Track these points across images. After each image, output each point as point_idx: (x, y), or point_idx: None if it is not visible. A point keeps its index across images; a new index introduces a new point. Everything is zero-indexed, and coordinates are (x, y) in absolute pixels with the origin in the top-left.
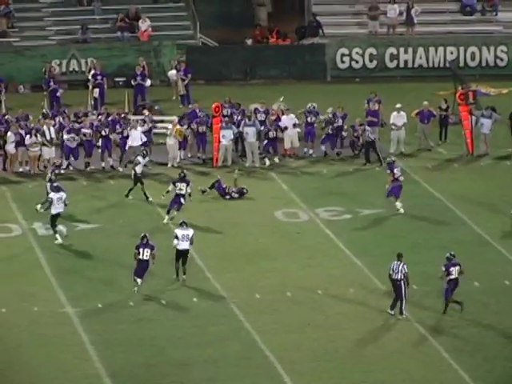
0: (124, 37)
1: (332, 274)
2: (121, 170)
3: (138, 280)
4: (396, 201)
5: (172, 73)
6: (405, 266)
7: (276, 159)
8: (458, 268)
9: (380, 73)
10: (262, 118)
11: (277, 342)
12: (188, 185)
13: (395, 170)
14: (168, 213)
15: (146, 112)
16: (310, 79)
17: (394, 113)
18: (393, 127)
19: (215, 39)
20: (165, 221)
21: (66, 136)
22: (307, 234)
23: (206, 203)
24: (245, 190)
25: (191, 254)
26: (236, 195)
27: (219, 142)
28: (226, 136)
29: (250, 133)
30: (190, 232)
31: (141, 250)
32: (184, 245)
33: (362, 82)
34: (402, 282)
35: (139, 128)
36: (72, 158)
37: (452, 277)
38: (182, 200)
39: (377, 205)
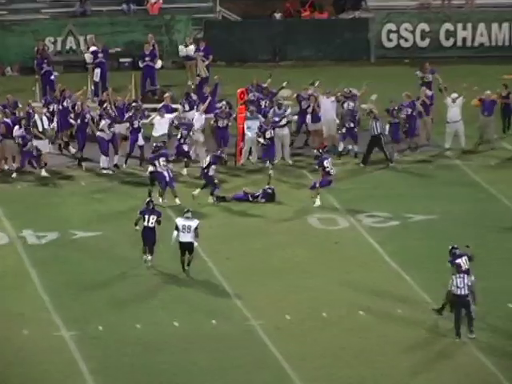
0: (130, 9)
1: (376, 290)
2: (124, 166)
3: (148, 257)
4: (316, 194)
5: (183, 48)
6: (471, 278)
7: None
8: (465, 258)
9: (434, 53)
10: (305, 107)
11: (307, 370)
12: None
13: (325, 163)
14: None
15: (167, 97)
16: (351, 60)
17: (449, 101)
18: (448, 121)
19: (238, 13)
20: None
21: (103, 122)
22: (347, 243)
23: (226, 207)
24: (270, 191)
25: (209, 267)
26: (262, 200)
27: (243, 134)
28: (252, 127)
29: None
30: (194, 223)
31: (146, 216)
32: (186, 237)
33: (412, 63)
34: (470, 298)
35: (167, 116)
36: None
37: (463, 269)
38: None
39: (430, 209)
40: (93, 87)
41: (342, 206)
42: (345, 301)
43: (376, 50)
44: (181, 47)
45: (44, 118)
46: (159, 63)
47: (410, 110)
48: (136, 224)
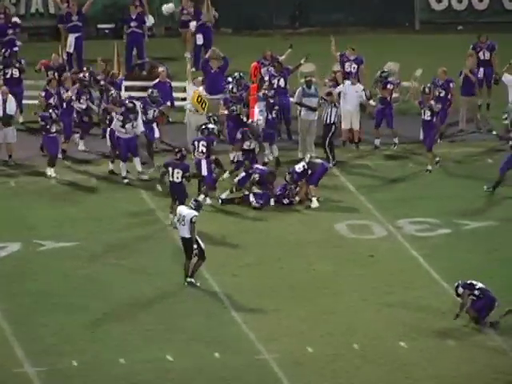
0: None
1: (422, 316)
2: (145, 176)
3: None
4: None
5: (169, 8)
6: None
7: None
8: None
9: (494, 17)
10: (354, 70)
11: None
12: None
13: (299, 167)
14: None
15: (162, 72)
16: (390, 26)
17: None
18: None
19: None
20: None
21: (114, 120)
22: (384, 257)
23: (233, 211)
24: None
25: (211, 286)
26: (286, 200)
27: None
28: (265, 111)
29: (310, 106)
30: (188, 213)
31: (170, 168)
32: (181, 231)
33: (466, 30)
34: None
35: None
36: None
37: (478, 286)
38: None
39: (489, 215)
40: (65, 57)
41: (377, 210)
42: (383, 329)
43: (422, 13)
44: (167, 6)
45: (11, 99)
46: (151, 19)
47: (443, 92)
48: (160, 179)
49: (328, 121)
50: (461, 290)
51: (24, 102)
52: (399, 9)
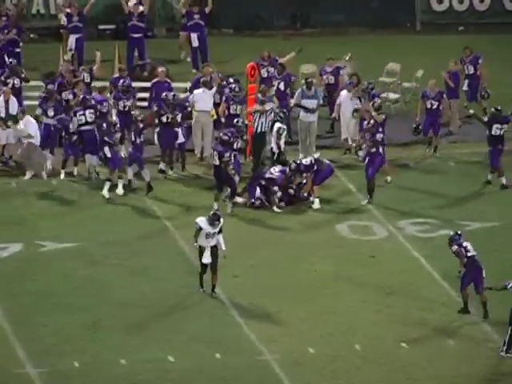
0: None
1: (423, 316)
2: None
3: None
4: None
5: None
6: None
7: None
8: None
9: (495, 18)
10: (331, 82)
11: None
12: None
13: (305, 162)
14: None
15: (162, 71)
16: (390, 27)
17: None
18: None
19: None
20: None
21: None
22: (385, 257)
23: (236, 212)
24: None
25: (208, 283)
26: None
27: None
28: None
29: (309, 108)
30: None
31: (212, 151)
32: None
33: (467, 31)
34: None
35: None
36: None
37: (470, 254)
38: None
39: (490, 215)
40: (65, 58)
41: (378, 211)
42: (384, 330)
43: (423, 14)
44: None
45: (13, 100)
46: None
47: (436, 104)
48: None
49: (262, 129)
50: (455, 247)
51: (25, 102)
52: (400, 9)
